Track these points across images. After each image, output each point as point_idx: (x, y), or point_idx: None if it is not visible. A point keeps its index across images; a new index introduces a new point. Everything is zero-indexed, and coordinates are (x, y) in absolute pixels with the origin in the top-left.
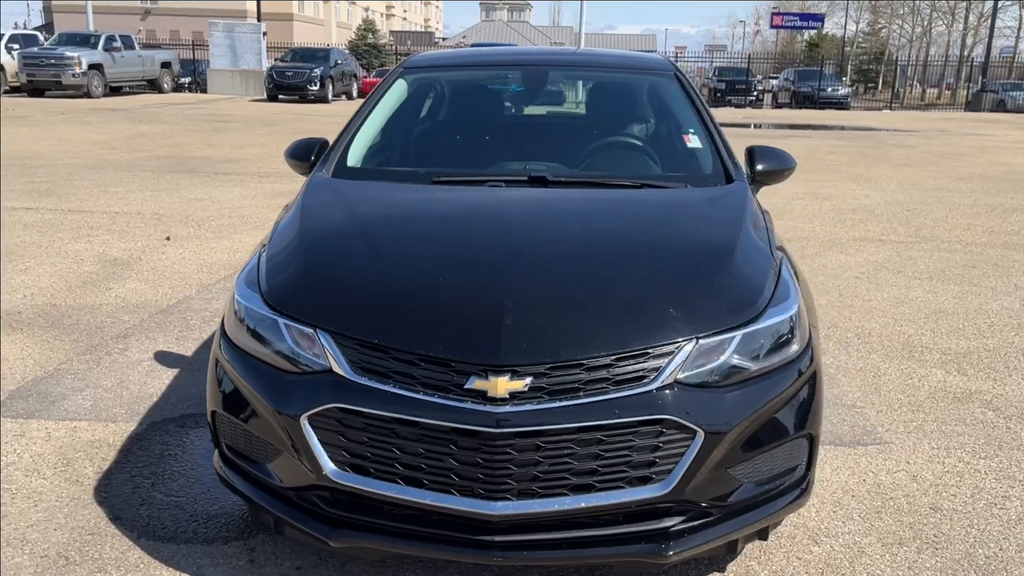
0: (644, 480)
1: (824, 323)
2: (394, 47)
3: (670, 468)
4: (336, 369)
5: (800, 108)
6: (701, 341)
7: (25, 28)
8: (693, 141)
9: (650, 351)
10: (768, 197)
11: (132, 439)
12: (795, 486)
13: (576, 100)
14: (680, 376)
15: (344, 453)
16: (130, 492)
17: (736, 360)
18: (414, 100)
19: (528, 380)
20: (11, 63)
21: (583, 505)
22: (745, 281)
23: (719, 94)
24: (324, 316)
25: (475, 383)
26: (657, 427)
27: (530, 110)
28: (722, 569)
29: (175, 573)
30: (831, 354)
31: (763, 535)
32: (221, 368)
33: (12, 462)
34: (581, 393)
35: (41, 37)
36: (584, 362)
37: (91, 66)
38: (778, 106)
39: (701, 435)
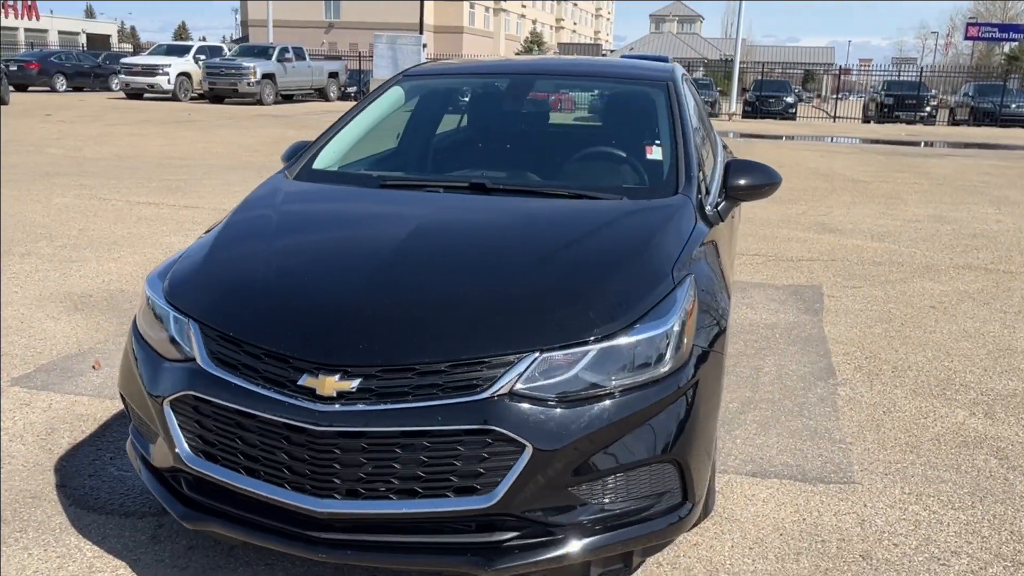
0: (470, 491)
1: (863, 353)
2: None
3: (497, 481)
4: (196, 359)
5: (979, 126)
6: (547, 354)
7: (226, 41)
8: (654, 153)
9: (487, 360)
10: (883, 219)
11: (117, 416)
12: (666, 513)
13: (560, 110)
14: (518, 388)
15: (198, 439)
16: (87, 464)
17: (587, 375)
18: (402, 106)
19: (358, 381)
20: (197, 72)
21: (406, 511)
22: (614, 296)
23: (886, 109)
24: (196, 308)
25: (306, 380)
26: (484, 438)
27: (507, 119)
28: None
29: (80, 539)
30: (850, 385)
31: (627, 561)
32: (128, 352)
33: (7, 428)
34: (410, 397)
35: (225, 48)
36: (416, 367)
37: (264, 75)
38: (955, 123)
39: (529, 450)
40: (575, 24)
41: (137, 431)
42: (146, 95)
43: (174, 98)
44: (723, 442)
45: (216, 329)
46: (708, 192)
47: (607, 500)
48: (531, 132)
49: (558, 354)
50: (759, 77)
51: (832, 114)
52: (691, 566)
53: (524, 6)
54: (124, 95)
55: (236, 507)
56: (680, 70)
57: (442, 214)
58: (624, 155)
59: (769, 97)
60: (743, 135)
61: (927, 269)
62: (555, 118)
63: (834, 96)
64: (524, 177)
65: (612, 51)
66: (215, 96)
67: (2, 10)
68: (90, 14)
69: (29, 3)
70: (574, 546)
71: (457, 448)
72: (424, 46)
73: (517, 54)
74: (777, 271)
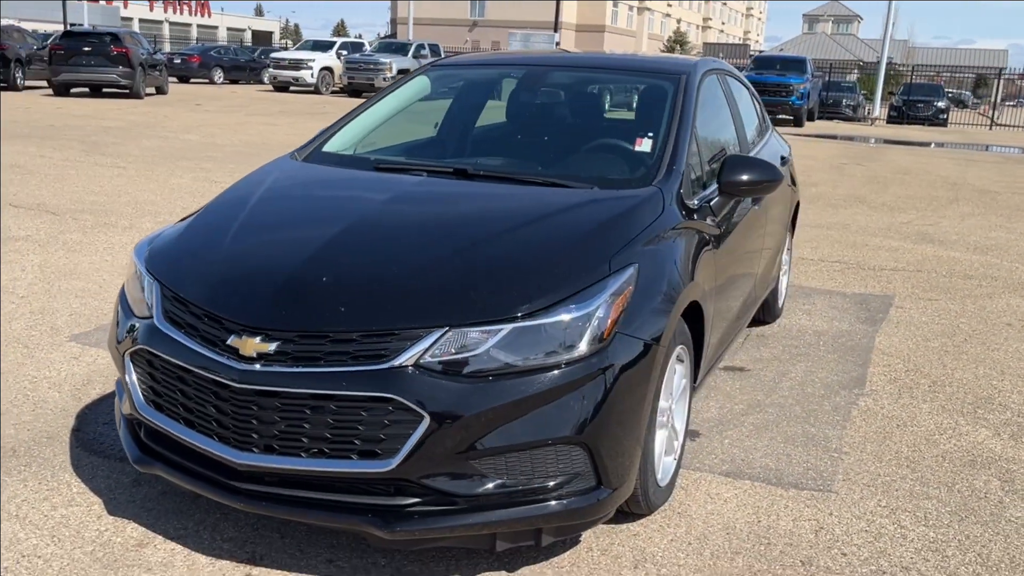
0: (372, 455)
1: (905, 366)
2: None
3: (397, 447)
4: (153, 315)
5: None
6: (456, 329)
7: (378, 38)
8: (643, 145)
9: (396, 332)
10: (996, 232)
11: None
12: (578, 495)
13: (571, 101)
14: (424, 360)
15: (150, 390)
16: (104, 413)
17: (497, 353)
18: (422, 94)
19: (276, 344)
20: (339, 67)
21: (314, 468)
22: (538, 279)
23: None
24: (160, 271)
25: (232, 340)
26: (386, 406)
27: (518, 110)
28: (512, 569)
29: (72, 476)
30: (874, 396)
31: (536, 539)
32: (113, 312)
33: (49, 376)
34: (322, 362)
35: (366, 45)
36: (329, 334)
37: (400, 71)
38: None
39: (427, 420)
40: (723, 24)
41: (118, 383)
42: (291, 88)
43: (316, 91)
44: (710, 441)
45: (171, 289)
46: (704, 186)
47: (510, 475)
48: (534, 122)
49: (470, 330)
50: (908, 81)
51: (992, 121)
52: (621, 553)
53: (670, 5)
54: (272, 88)
55: (177, 455)
56: (710, 65)
57: (406, 197)
58: (615, 146)
59: (917, 101)
60: (880, 140)
61: (1021, 286)
62: (562, 110)
63: (1007, 103)
64: (507, 165)
65: (760, 51)
66: (353, 90)
67: (177, 7)
68: (259, 12)
69: (202, 1)
70: (474, 517)
71: (361, 413)
72: (557, 43)
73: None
74: (852, 279)
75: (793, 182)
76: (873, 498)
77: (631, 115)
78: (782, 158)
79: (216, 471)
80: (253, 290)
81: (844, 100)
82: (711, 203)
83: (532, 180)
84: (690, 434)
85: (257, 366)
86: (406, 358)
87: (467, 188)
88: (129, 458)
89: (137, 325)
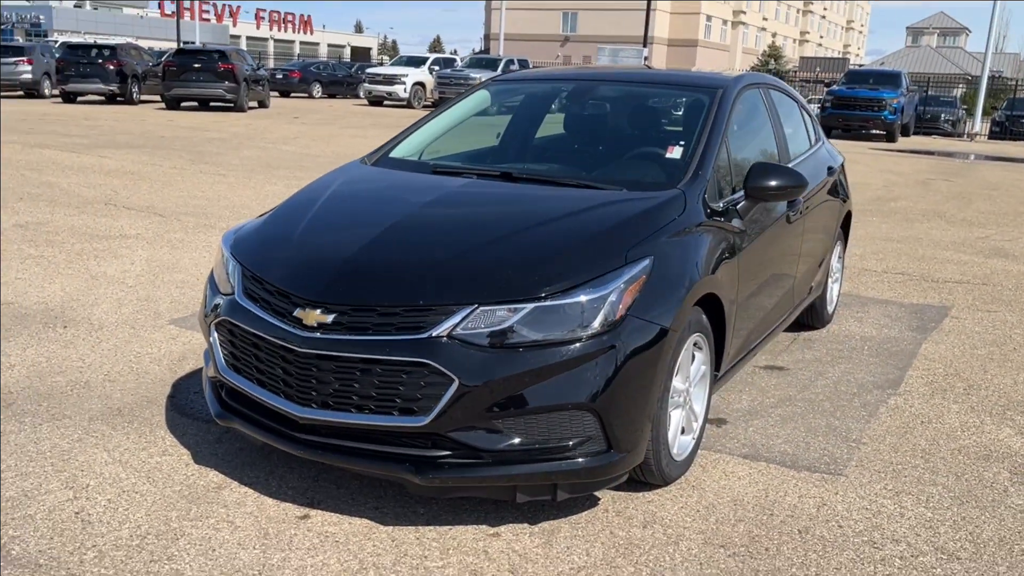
0: (411, 411)
1: (946, 370)
2: (796, 73)
3: (432, 406)
4: (234, 292)
5: None
6: (485, 307)
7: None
8: (674, 152)
9: (434, 308)
10: None
11: None
12: (590, 456)
13: (614, 112)
14: (456, 332)
15: (230, 355)
16: (195, 384)
17: (520, 327)
18: (484, 106)
19: (334, 316)
20: (431, 82)
21: (362, 422)
22: (560, 265)
23: None
24: (242, 255)
25: (297, 312)
26: (422, 369)
27: (569, 120)
28: (534, 522)
29: (166, 432)
30: (906, 396)
31: (553, 493)
32: (203, 292)
33: (151, 352)
34: (370, 331)
35: (458, 60)
36: (377, 308)
37: None
38: None
39: (456, 382)
40: (821, 37)
41: (205, 353)
42: (385, 102)
43: (408, 105)
44: (735, 428)
45: (250, 270)
46: (734, 191)
47: (529, 435)
48: (580, 131)
49: (497, 308)
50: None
51: None
52: (633, 515)
53: (765, 19)
54: (367, 102)
55: (251, 410)
56: (751, 80)
57: (453, 195)
58: (650, 153)
59: (1022, 116)
60: (977, 156)
61: None
62: (606, 121)
63: None
64: (549, 169)
65: (860, 65)
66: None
67: (281, 25)
68: (359, 29)
69: (305, 19)
70: (497, 470)
71: (402, 375)
72: (645, 58)
73: (752, 68)
74: (912, 290)
75: (845, 193)
76: (880, 482)
77: (669, 125)
78: (829, 168)
79: (281, 423)
80: (316, 271)
81: (943, 115)
82: (737, 206)
83: (568, 183)
84: (717, 421)
85: (317, 334)
86: (441, 330)
87: (509, 189)
88: (212, 414)
89: (221, 301)
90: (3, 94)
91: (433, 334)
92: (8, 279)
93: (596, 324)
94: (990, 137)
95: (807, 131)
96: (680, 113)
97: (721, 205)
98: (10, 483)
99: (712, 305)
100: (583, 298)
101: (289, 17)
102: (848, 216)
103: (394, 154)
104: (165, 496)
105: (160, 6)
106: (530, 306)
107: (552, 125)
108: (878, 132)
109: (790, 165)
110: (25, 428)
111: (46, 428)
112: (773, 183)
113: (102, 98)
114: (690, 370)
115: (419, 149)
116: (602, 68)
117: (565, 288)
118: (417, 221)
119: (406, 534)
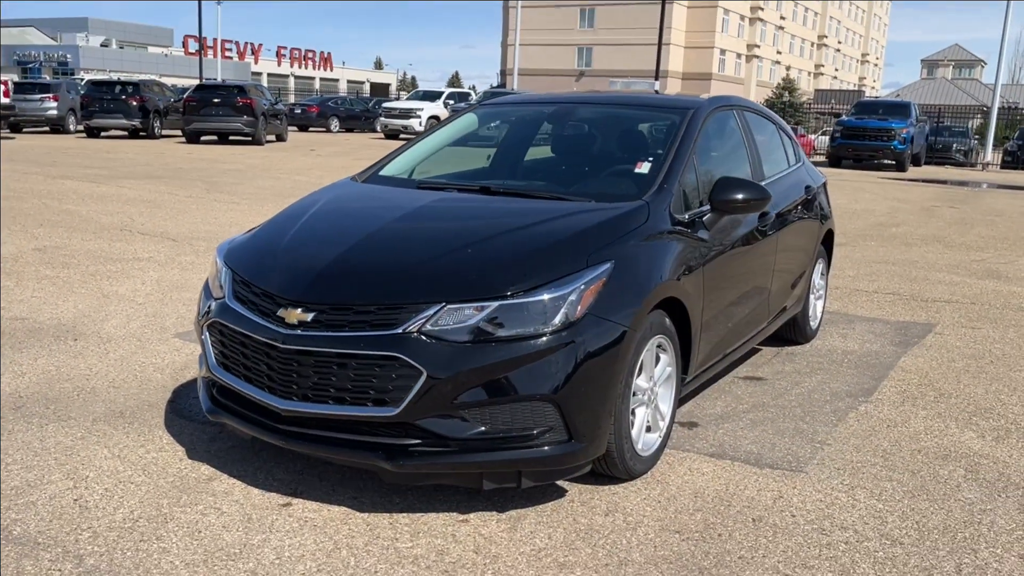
0: (383, 402)
1: (920, 381)
2: (810, 105)
3: (403, 397)
4: (225, 296)
5: None
6: (452, 305)
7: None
8: (643, 168)
9: (404, 306)
10: None
11: None
12: (551, 444)
13: (591, 132)
14: (425, 328)
15: (220, 354)
16: (195, 390)
17: (485, 324)
18: (470, 128)
19: (313, 314)
20: (446, 116)
21: (339, 412)
22: (523, 267)
23: None
24: (233, 263)
25: (280, 312)
26: (394, 363)
27: (547, 139)
28: (502, 510)
29: (164, 432)
30: (876, 404)
31: (518, 482)
32: (198, 300)
33: (155, 362)
34: (346, 328)
35: (473, 95)
36: (353, 306)
37: None
38: None
39: (424, 375)
40: (836, 70)
41: (200, 357)
42: (401, 136)
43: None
44: (705, 430)
45: (238, 274)
46: (701, 204)
47: (493, 424)
48: (560, 150)
49: (464, 306)
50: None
51: None
52: (597, 504)
53: (779, 52)
54: (383, 135)
55: (238, 405)
56: (724, 102)
57: (432, 206)
58: (621, 169)
59: None
60: (986, 185)
61: None
62: (583, 139)
63: None
64: (526, 184)
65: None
66: None
67: (302, 62)
68: (378, 66)
69: (325, 56)
70: (464, 457)
71: (375, 368)
72: (656, 92)
73: (765, 101)
74: (900, 309)
75: (825, 212)
76: (838, 478)
77: (641, 144)
78: (807, 187)
79: (266, 416)
80: (299, 275)
81: (955, 145)
82: (703, 218)
83: (541, 195)
84: (688, 424)
85: (298, 331)
86: (411, 326)
87: (485, 201)
88: (204, 410)
89: (213, 305)
90: (29, 130)
91: (404, 330)
92: (24, 297)
93: (557, 321)
94: (1002, 167)
95: (785, 152)
96: (652, 132)
97: (687, 217)
98: (15, 474)
99: (676, 310)
100: (545, 297)
101: (309, 54)
102: (830, 234)
103: (384, 172)
104: (158, 486)
105: (184, 44)
106: (495, 304)
107: (537, 146)
108: (888, 162)
109: (763, 183)
110: (32, 427)
111: (52, 427)
112: (738, 196)
113: (125, 133)
114: (654, 370)
115: (409, 168)
116: (584, 92)
117: (528, 288)
118: (395, 229)
119: (380, 520)
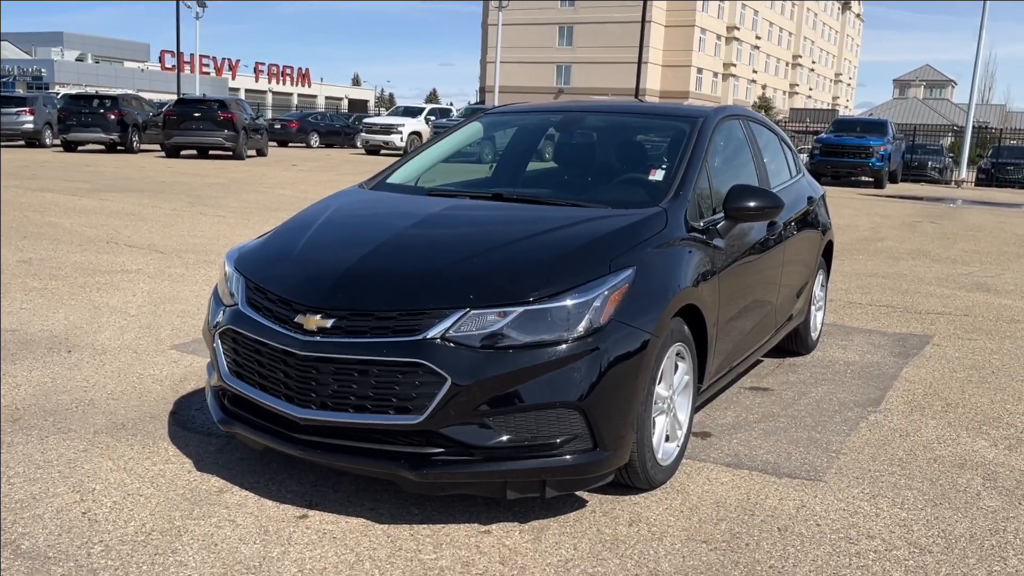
0: (406, 410)
1: (925, 391)
2: (786, 124)
3: (426, 404)
4: (237, 302)
5: None
6: (476, 311)
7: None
8: (657, 175)
9: (427, 312)
10: None
11: None
12: (577, 453)
13: (602, 140)
14: (449, 334)
15: (233, 362)
16: (197, 402)
17: (509, 330)
18: (476, 136)
19: (333, 320)
20: (427, 131)
21: (359, 421)
22: (546, 273)
23: None
24: (245, 269)
25: (298, 318)
26: (417, 369)
27: (557, 148)
28: (524, 520)
29: (169, 444)
30: (885, 413)
31: (541, 492)
32: (207, 307)
33: (153, 374)
34: (368, 334)
35: (454, 111)
36: (374, 312)
37: None
38: None
39: (449, 382)
40: (810, 89)
41: (209, 365)
42: (382, 151)
43: (404, 154)
44: (719, 440)
45: (252, 281)
46: (714, 211)
47: (518, 432)
48: (569, 158)
49: (488, 312)
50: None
51: None
52: (619, 515)
53: (755, 71)
54: (364, 151)
55: (252, 415)
56: (731, 112)
57: (447, 211)
58: (634, 176)
59: (1007, 164)
60: (963, 201)
61: None
62: (594, 148)
63: None
64: (538, 191)
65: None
66: None
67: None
68: (356, 82)
69: (303, 72)
70: (488, 466)
71: (397, 376)
72: None
73: None
74: (896, 320)
75: (825, 223)
76: (858, 487)
77: (653, 151)
78: (809, 199)
79: (281, 425)
80: (317, 281)
81: (930, 163)
82: (717, 225)
83: (556, 202)
84: (702, 435)
85: (317, 338)
86: (435, 332)
87: (500, 208)
88: (215, 420)
89: (225, 312)
90: (4, 144)
91: (427, 336)
92: (12, 308)
93: (581, 328)
94: (976, 184)
95: (787, 163)
96: (664, 140)
97: (702, 224)
98: (18, 487)
99: (694, 318)
100: (569, 302)
101: (287, 70)
102: (830, 245)
103: (391, 180)
104: (168, 499)
105: (160, 59)
106: (519, 309)
107: (546, 154)
108: (866, 179)
109: None
110: (32, 440)
111: (52, 440)
112: (752, 203)
113: (102, 147)
114: (673, 379)
115: (414, 176)
116: (591, 101)
117: (552, 293)
118: (413, 235)
119: (401, 531)
